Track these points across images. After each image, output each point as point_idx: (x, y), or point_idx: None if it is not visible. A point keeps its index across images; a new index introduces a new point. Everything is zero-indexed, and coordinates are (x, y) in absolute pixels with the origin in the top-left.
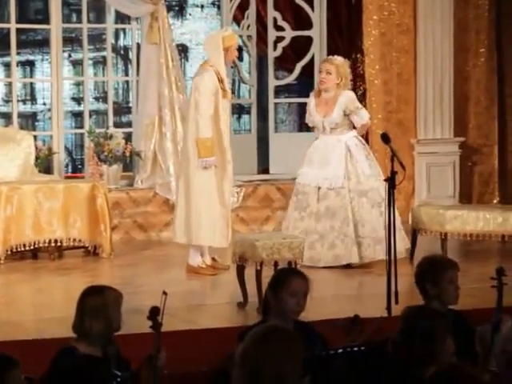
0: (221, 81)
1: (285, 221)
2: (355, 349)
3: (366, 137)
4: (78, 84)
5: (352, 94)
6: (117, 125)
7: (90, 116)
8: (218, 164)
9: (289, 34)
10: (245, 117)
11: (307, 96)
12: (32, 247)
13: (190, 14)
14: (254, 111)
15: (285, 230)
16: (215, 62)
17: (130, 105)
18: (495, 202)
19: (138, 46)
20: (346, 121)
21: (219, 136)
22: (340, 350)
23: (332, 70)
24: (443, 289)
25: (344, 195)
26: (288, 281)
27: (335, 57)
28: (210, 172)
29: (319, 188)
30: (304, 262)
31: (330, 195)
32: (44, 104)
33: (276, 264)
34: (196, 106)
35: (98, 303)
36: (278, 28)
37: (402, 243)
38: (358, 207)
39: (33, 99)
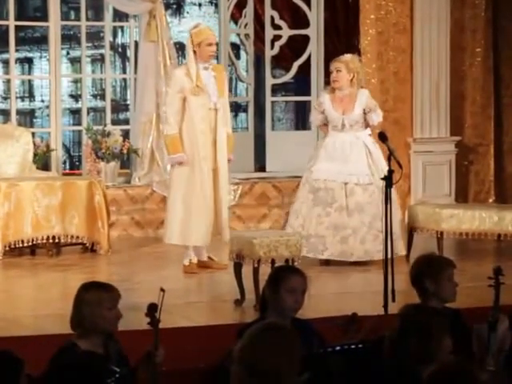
0: (190, 77)
1: (296, 219)
2: (352, 347)
3: None
4: (76, 81)
5: (368, 92)
6: (114, 122)
7: (88, 113)
8: (189, 161)
9: (286, 32)
10: (242, 115)
11: (304, 94)
12: (30, 243)
13: (187, 13)
14: (251, 109)
15: (299, 228)
16: (188, 59)
17: (128, 102)
18: (491, 201)
19: (136, 43)
20: (362, 119)
21: (191, 133)
22: (337, 348)
23: (341, 67)
24: (442, 286)
25: (373, 191)
26: (286, 278)
27: (344, 55)
28: (181, 169)
29: (345, 184)
30: (335, 256)
31: (357, 191)
32: (42, 101)
33: (273, 262)
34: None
35: (77, 297)
36: (276, 27)
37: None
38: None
39: (31, 96)
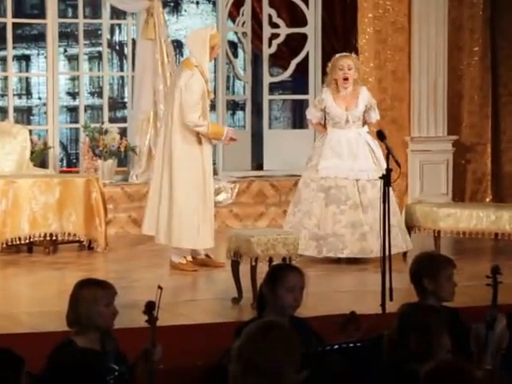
0: (206, 81)
1: (310, 219)
2: (351, 345)
3: None
4: (74, 79)
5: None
6: (112, 120)
7: (86, 111)
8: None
9: (284, 31)
10: (239, 113)
11: (301, 93)
12: (27, 241)
13: (185, 11)
14: (248, 107)
15: (315, 228)
16: (201, 60)
17: (125, 100)
18: (488, 200)
19: (134, 41)
20: (362, 115)
21: (205, 138)
22: (336, 347)
23: (352, 66)
24: (441, 285)
25: (380, 187)
26: (285, 276)
27: (346, 53)
28: (192, 172)
29: (357, 180)
30: (354, 254)
31: (368, 187)
32: (39, 98)
33: (271, 260)
34: (183, 110)
35: (73, 294)
36: (273, 25)
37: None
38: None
39: (28, 93)
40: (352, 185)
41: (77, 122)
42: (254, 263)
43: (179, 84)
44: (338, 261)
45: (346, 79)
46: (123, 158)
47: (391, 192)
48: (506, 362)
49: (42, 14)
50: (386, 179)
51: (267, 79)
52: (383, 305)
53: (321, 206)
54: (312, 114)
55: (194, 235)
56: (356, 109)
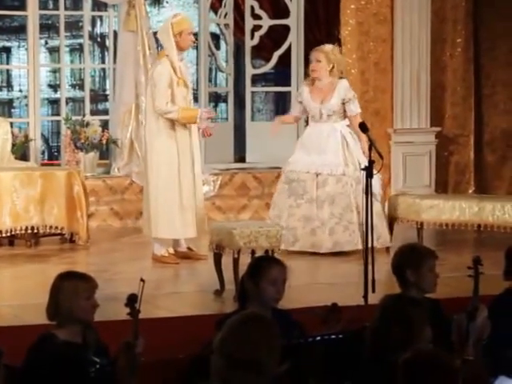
0: (174, 69)
1: (273, 209)
2: (333, 337)
3: None
4: (55, 71)
5: (348, 83)
6: (93, 112)
7: (67, 103)
8: (178, 155)
9: (266, 22)
10: (221, 105)
11: (284, 85)
12: (9, 234)
13: (167, 2)
14: (230, 99)
15: (276, 219)
16: (168, 50)
17: (107, 92)
18: (471, 191)
19: (115, 33)
20: (341, 109)
21: (178, 126)
22: (318, 338)
23: (321, 58)
24: (423, 276)
25: (345, 182)
26: (267, 269)
27: (324, 45)
28: (165, 164)
29: (317, 175)
30: (306, 248)
31: (330, 182)
32: (20, 91)
33: (253, 252)
34: (152, 100)
35: (54, 287)
36: (256, 16)
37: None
38: (356, 194)
39: (9, 86)
40: (311, 179)
41: (58, 114)
42: (236, 255)
43: (150, 75)
44: (319, 253)
45: (313, 71)
46: (105, 150)
47: (360, 188)
48: (486, 352)
49: (22, 6)
50: (368, 171)
51: (250, 71)
52: (365, 296)
53: (283, 198)
54: (292, 106)
55: (171, 225)
56: (329, 102)
